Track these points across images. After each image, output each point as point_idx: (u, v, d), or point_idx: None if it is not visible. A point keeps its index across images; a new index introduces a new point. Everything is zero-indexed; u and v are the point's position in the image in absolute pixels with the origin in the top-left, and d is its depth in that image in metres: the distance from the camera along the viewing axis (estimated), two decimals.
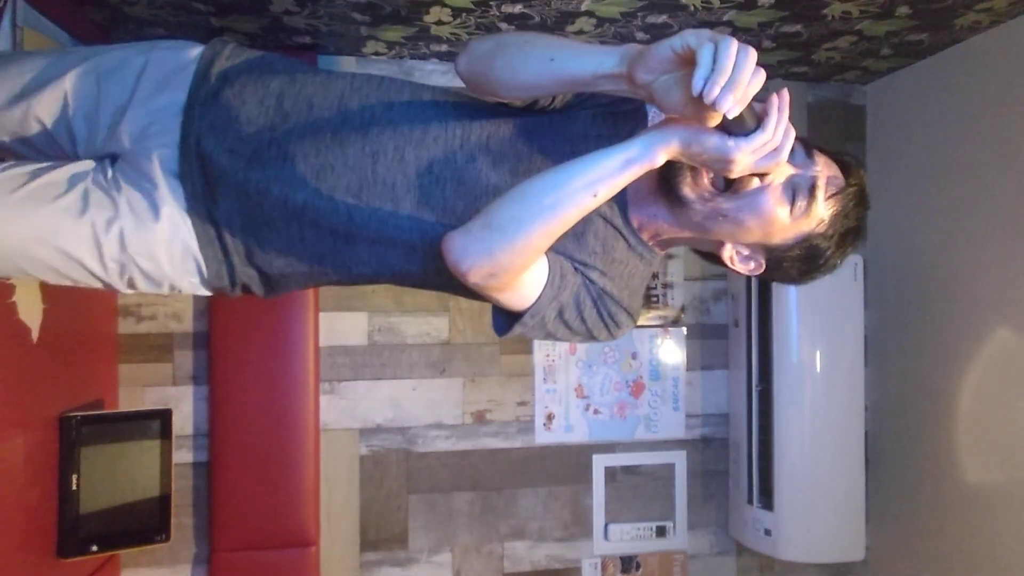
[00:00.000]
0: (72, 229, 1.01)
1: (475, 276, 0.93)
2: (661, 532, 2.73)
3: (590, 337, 1.08)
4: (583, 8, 2.09)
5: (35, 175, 1.02)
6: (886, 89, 2.77)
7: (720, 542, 2.80)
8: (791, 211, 0.99)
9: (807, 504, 2.48)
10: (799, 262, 1.05)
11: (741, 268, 1.07)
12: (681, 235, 1.07)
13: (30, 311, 1.74)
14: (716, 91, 0.75)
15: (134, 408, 2.33)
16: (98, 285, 1.08)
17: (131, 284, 1.07)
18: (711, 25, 2.21)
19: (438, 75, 2.59)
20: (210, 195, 1.03)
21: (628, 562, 2.73)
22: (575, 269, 1.05)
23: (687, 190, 1.00)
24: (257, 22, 2.20)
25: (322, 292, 2.48)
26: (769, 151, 0.85)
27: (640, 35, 2.29)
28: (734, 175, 0.88)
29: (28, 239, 1.01)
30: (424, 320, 2.59)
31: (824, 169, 1.00)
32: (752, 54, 0.76)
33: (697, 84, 0.76)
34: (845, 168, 1.03)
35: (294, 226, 1.04)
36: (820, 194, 0.99)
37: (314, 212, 1.02)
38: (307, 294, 2.41)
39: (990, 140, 2.28)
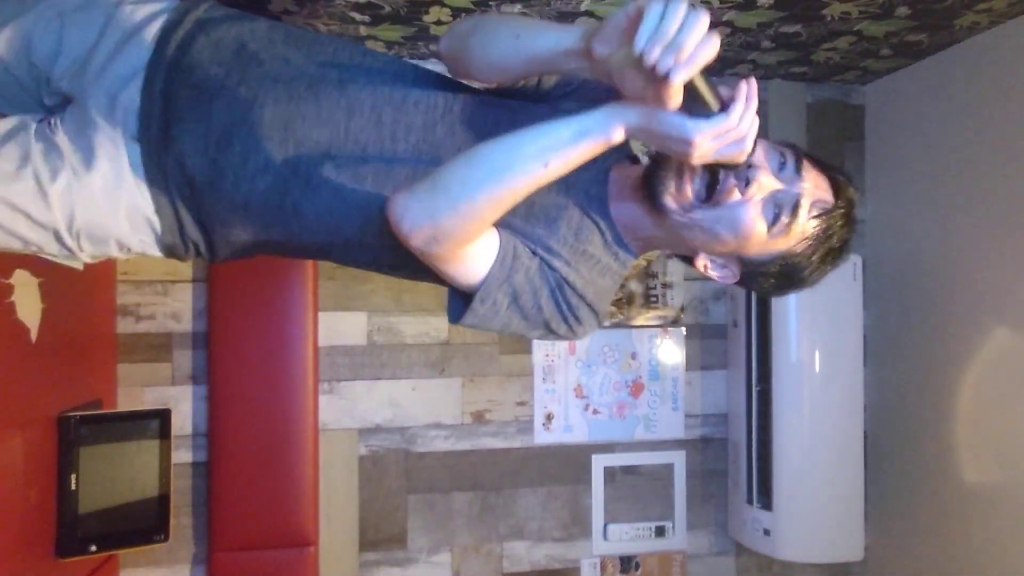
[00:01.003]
0: (14, 180, 0.95)
1: (416, 239, 0.88)
2: (660, 532, 2.73)
3: (548, 331, 1.02)
4: (583, 8, 2.09)
5: None
6: (885, 89, 2.77)
7: (719, 542, 2.80)
8: (770, 229, 0.96)
9: (806, 504, 2.48)
10: (775, 278, 1.02)
11: (715, 275, 1.04)
12: (657, 235, 1.04)
13: (29, 311, 1.74)
14: (656, 51, 0.72)
15: (133, 408, 2.32)
16: (52, 246, 1.01)
17: (79, 240, 1.00)
18: (710, 26, 2.21)
19: None
20: (164, 144, 0.97)
21: (627, 562, 2.73)
22: (533, 253, 0.99)
23: (669, 200, 0.97)
24: None
25: (322, 292, 2.48)
26: (732, 139, 0.82)
27: None
28: (695, 160, 0.83)
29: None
30: (423, 320, 2.59)
31: (812, 187, 0.96)
32: (703, 19, 0.73)
33: (639, 42, 0.72)
34: (836, 187, 0.99)
35: (244, 186, 0.98)
36: (802, 213, 0.96)
37: (272, 175, 0.97)
38: (307, 294, 2.41)
39: (989, 140, 2.28)
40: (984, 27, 2.25)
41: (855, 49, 2.44)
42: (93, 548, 1.97)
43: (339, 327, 2.54)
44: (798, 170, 0.96)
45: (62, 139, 0.98)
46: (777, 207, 0.95)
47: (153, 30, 1.01)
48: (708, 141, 0.81)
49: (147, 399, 2.39)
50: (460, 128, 0.99)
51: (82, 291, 2.07)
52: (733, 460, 2.72)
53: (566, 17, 2.14)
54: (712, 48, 0.74)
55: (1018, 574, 2.15)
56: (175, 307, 2.43)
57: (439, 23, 2.21)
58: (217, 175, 0.97)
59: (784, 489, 2.48)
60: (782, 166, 0.96)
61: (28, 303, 1.73)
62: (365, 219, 0.98)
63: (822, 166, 1.00)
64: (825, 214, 0.97)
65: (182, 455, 2.39)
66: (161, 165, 0.98)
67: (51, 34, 1.02)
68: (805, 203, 0.96)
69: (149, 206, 0.99)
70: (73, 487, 1.93)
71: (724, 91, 0.82)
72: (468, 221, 0.87)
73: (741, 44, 2.39)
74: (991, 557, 2.25)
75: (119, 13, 1.02)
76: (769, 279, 1.02)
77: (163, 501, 2.16)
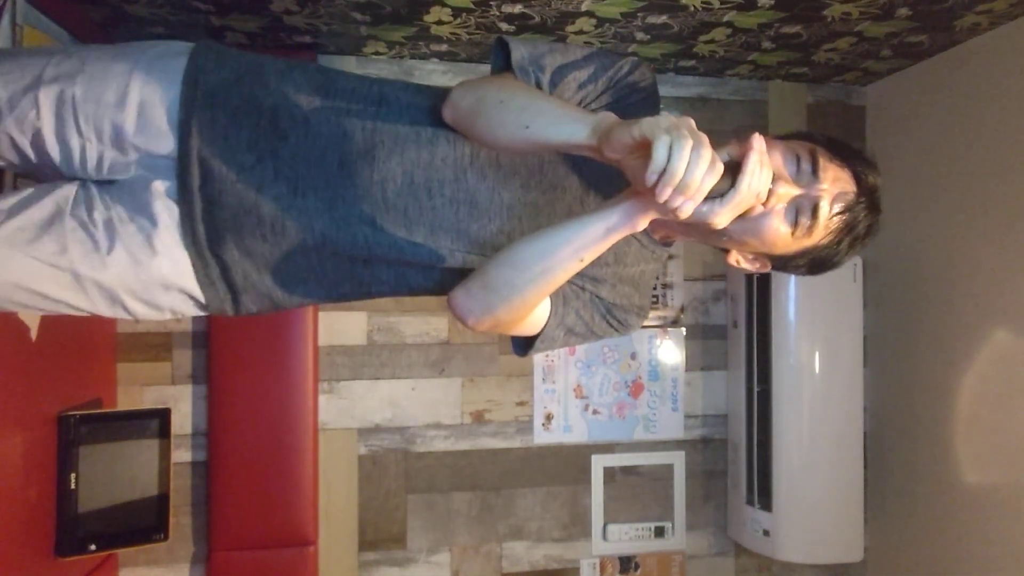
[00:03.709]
0: (52, 274, 0.99)
1: (480, 328, 1.02)
2: (660, 532, 2.73)
3: (602, 338, 1.17)
4: (583, 8, 2.08)
5: (11, 213, 0.99)
6: (886, 90, 2.77)
7: (718, 543, 2.80)
8: (793, 232, 0.99)
9: (806, 505, 2.48)
10: (804, 267, 1.07)
11: (748, 267, 1.09)
12: (689, 238, 1.11)
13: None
14: (667, 193, 0.78)
15: (133, 407, 2.33)
16: (92, 315, 1.07)
17: (127, 312, 1.06)
18: (710, 26, 2.22)
19: (438, 75, 2.59)
20: (216, 235, 1.01)
21: (626, 562, 2.73)
22: (582, 288, 1.10)
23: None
24: (257, 21, 2.20)
25: None
26: (748, 204, 0.87)
27: (640, 35, 2.29)
28: (719, 228, 0.88)
29: (7, 285, 1.00)
30: (423, 320, 2.59)
31: (831, 186, 0.98)
32: (704, 156, 0.77)
33: (650, 178, 0.78)
34: (857, 177, 1.00)
35: (314, 257, 1.04)
36: (823, 214, 0.98)
37: (333, 244, 1.02)
38: None
39: (989, 142, 2.28)
40: (985, 28, 2.25)
41: (856, 50, 2.44)
42: (92, 547, 1.97)
43: (339, 327, 2.54)
44: (815, 171, 0.98)
45: (106, 227, 1.00)
46: (798, 212, 0.98)
47: (172, 116, 1.00)
48: (727, 214, 0.85)
49: (147, 398, 2.39)
50: (489, 171, 1.05)
51: None
52: (733, 461, 2.72)
53: (567, 17, 2.14)
54: (716, 175, 0.79)
55: (1018, 574, 2.15)
56: None
57: (440, 23, 2.21)
58: (280, 259, 1.04)
59: (784, 490, 2.48)
60: (799, 169, 0.98)
61: None
62: (427, 268, 1.07)
63: (843, 156, 1.01)
64: (847, 210, 0.99)
65: (182, 454, 2.39)
66: (217, 257, 1.03)
67: (67, 123, 1.00)
68: (824, 204, 0.98)
69: (198, 291, 1.05)
70: (73, 486, 1.93)
71: (732, 149, 0.86)
72: (521, 310, 1.00)
73: (742, 45, 2.39)
74: (991, 557, 2.25)
75: (131, 95, 1.00)
76: (800, 268, 1.07)
77: (162, 500, 2.16)
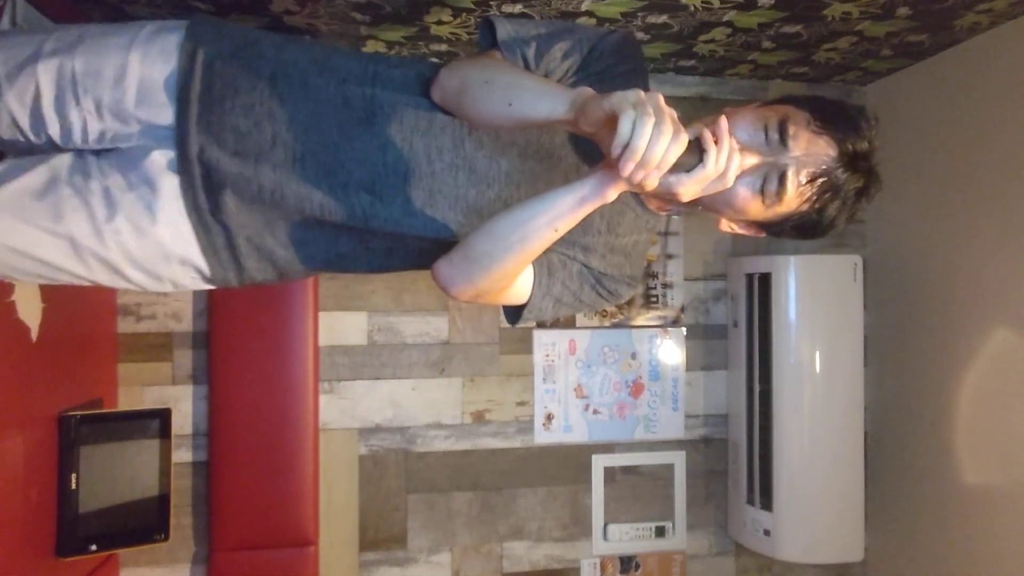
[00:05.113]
0: (49, 240, 1.00)
1: (463, 297, 1.05)
2: (660, 532, 2.73)
3: (595, 309, 1.22)
4: (583, 8, 2.09)
5: (4, 179, 1.00)
6: (886, 90, 2.77)
7: (719, 542, 2.80)
8: (763, 200, 1.00)
9: (806, 505, 2.48)
10: (792, 232, 1.08)
11: (741, 232, 1.11)
12: (671, 208, 1.14)
13: (29, 310, 1.74)
14: (629, 167, 0.81)
15: (133, 407, 2.33)
16: (91, 284, 1.09)
17: (126, 281, 1.07)
18: (710, 26, 2.22)
19: None
20: (217, 202, 1.02)
21: (627, 562, 2.73)
22: (571, 258, 1.12)
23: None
24: (257, 21, 2.20)
25: (322, 292, 2.48)
26: (713, 180, 0.88)
27: (640, 35, 2.29)
28: (685, 200, 0.91)
29: (5, 252, 1.01)
30: (423, 320, 2.59)
31: (801, 154, 0.98)
32: (666, 132, 0.79)
33: (614, 151, 0.81)
34: (837, 142, 0.99)
35: (313, 223, 1.05)
36: (790, 182, 0.99)
37: (331, 211, 1.03)
38: (307, 294, 2.41)
39: (990, 141, 2.28)
40: (985, 27, 2.25)
41: (856, 49, 2.44)
42: (93, 547, 1.97)
43: (339, 327, 2.54)
44: (783, 140, 0.98)
45: (105, 194, 1.01)
46: (765, 180, 0.99)
47: (171, 86, 1.01)
48: (692, 188, 0.88)
49: (147, 399, 2.39)
50: (487, 140, 1.06)
51: (82, 291, 2.06)
52: (733, 460, 2.72)
53: (567, 17, 2.14)
54: (679, 148, 0.81)
55: (1018, 574, 2.15)
56: (176, 307, 2.43)
57: (439, 23, 2.21)
58: (279, 225, 1.06)
59: (784, 489, 2.48)
60: (767, 137, 0.99)
61: (28, 303, 1.73)
62: (422, 242, 1.08)
63: (823, 120, 0.99)
64: (818, 176, 0.99)
65: (182, 455, 2.39)
66: (219, 223, 1.04)
67: (66, 95, 1.01)
68: (791, 172, 0.98)
69: (201, 259, 1.06)
70: (73, 486, 1.93)
71: (695, 131, 0.88)
72: (502, 279, 1.02)
73: (742, 44, 2.39)
74: (991, 557, 2.25)
75: (130, 68, 1.02)
76: (788, 233, 1.08)
77: (163, 500, 2.16)
